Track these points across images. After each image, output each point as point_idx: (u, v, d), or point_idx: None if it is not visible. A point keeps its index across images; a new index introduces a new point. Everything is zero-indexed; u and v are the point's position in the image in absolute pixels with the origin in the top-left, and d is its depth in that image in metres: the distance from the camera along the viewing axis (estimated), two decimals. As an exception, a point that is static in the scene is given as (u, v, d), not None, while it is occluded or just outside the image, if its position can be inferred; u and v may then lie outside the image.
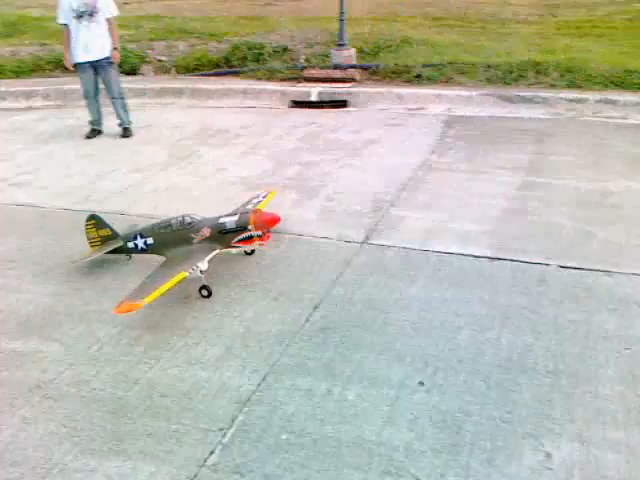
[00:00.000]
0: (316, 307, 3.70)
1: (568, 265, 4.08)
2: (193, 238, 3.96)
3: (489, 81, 8.49)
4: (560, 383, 3.03)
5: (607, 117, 7.45)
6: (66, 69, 7.56)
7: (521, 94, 7.92)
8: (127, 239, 4.23)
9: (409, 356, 3.24)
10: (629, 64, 8.49)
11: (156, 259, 4.06)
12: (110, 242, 4.28)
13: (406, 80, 8.68)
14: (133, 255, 4.29)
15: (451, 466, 2.57)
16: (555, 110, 7.69)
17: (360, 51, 9.50)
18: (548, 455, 2.62)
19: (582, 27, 10.93)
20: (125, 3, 13.20)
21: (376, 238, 4.51)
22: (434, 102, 8.01)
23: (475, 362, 3.19)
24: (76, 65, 7.09)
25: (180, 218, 4.05)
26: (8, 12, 13.76)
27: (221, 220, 3.97)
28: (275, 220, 3.95)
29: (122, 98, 7.30)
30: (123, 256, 4.33)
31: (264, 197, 4.57)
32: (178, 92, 9.00)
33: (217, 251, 3.90)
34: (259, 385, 3.09)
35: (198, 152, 6.68)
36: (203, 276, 3.78)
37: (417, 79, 8.64)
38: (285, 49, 9.80)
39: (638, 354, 3.23)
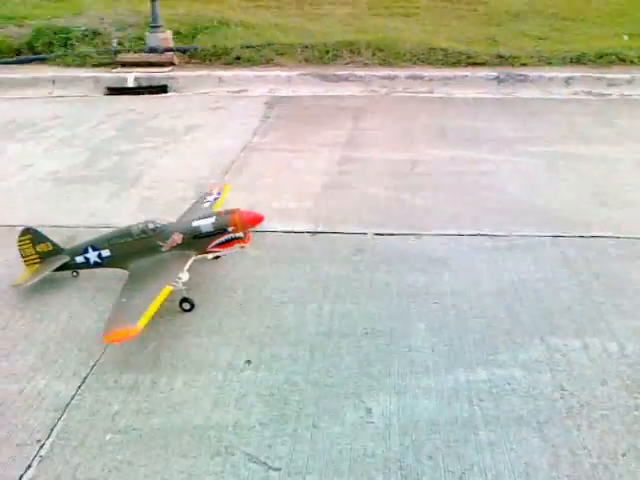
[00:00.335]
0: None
1: (383, 232, 4.36)
2: (161, 246, 3.59)
3: (307, 61, 8.74)
4: (377, 342, 3.24)
5: (416, 92, 8.03)
6: None
7: (338, 73, 8.26)
8: (75, 253, 3.78)
9: (235, 337, 3.27)
10: (432, 42, 9.20)
11: (108, 273, 3.74)
12: (53, 258, 3.79)
13: (226, 62, 8.64)
14: (82, 271, 3.83)
15: (279, 436, 2.65)
16: (370, 87, 8.13)
17: (177, 33, 9.26)
18: (368, 410, 2.81)
19: (391, 7, 11.57)
20: None
21: (200, 224, 4.46)
22: (255, 84, 8.07)
23: (299, 334, 3.31)
24: None
25: (142, 225, 3.65)
26: None
27: (195, 223, 3.62)
28: (258, 219, 3.65)
29: None
30: (68, 272, 3.85)
31: (219, 194, 4.23)
32: (-30, 83, 8.14)
33: (193, 258, 3.57)
34: (79, 388, 2.94)
35: None
36: (184, 288, 3.44)
37: (237, 61, 8.64)
38: (95, 33, 9.25)
39: (445, 306, 3.56)
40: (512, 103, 7.58)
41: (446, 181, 5.23)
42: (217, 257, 3.90)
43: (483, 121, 6.81)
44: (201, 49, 8.83)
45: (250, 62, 8.61)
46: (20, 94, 7.97)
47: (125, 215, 4.50)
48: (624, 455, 2.58)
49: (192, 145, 6.08)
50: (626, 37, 9.64)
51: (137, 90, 7.98)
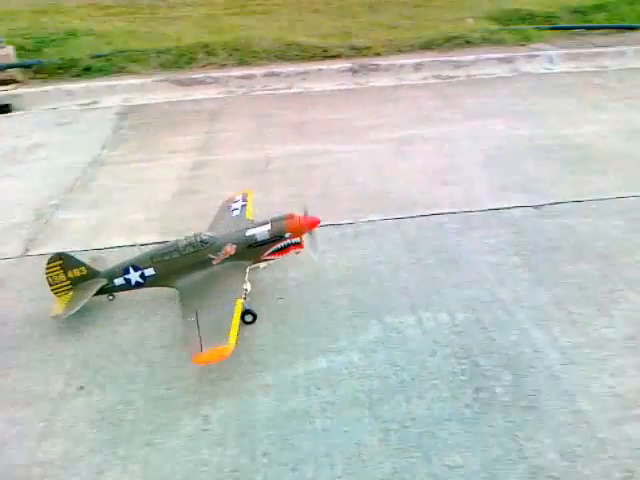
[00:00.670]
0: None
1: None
2: (212, 259, 3.42)
3: (163, 66, 8.52)
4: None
5: (274, 89, 8.06)
6: None
7: (193, 76, 8.12)
8: (113, 275, 3.51)
9: (68, 363, 3.13)
10: (288, 38, 9.27)
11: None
12: (89, 283, 3.50)
13: (75, 74, 8.25)
14: (118, 293, 3.55)
15: (109, 461, 2.57)
16: (227, 88, 8.06)
17: (21, 48, 8.72)
18: (205, 417, 2.78)
19: (247, 5, 11.55)
20: None
21: (37, 248, 4.24)
22: (108, 94, 7.77)
23: (140, 349, 3.22)
24: None
25: (190, 238, 3.46)
26: None
27: (249, 232, 3.46)
28: (316, 222, 3.50)
29: None
30: (104, 297, 3.55)
31: (245, 201, 4.05)
32: None
33: (248, 268, 3.43)
34: None
35: None
36: (247, 300, 3.32)
37: (87, 72, 8.27)
38: None
39: (289, 301, 3.60)
40: (366, 92, 7.79)
41: (298, 175, 5.28)
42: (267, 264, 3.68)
43: (338, 113, 6.94)
44: (47, 62, 8.37)
45: (101, 72, 8.28)
46: None
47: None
48: (448, 420, 2.72)
49: (34, 166, 5.76)
50: (471, 21, 10.19)
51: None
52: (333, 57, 8.74)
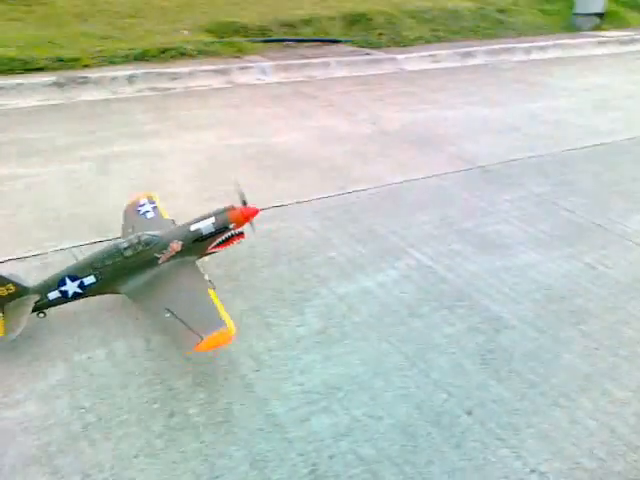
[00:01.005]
0: None
1: None
2: (157, 258, 3.30)
3: None
4: None
5: None
6: None
7: None
8: (46, 289, 3.16)
9: None
10: None
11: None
12: (19, 301, 3.10)
13: None
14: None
15: None
16: None
17: None
18: None
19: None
20: None
21: None
22: None
23: None
24: None
25: (134, 240, 3.26)
26: None
27: (194, 227, 3.40)
28: (256, 212, 3.57)
29: None
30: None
31: (152, 202, 3.95)
32: None
33: (195, 262, 3.39)
34: None
35: None
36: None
37: None
38: None
39: None
40: (76, 108, 7.27)
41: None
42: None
43: (40, 131, 6.33)
44: None
45: None
46: None
47: None
48: (136, 457, 2.54)
49: None
50: (186, 33, 10.20)
51: None
52: (35, 70, 7.99)
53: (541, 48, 11.87)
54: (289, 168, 5.54)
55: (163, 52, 9.05)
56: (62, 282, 3.19)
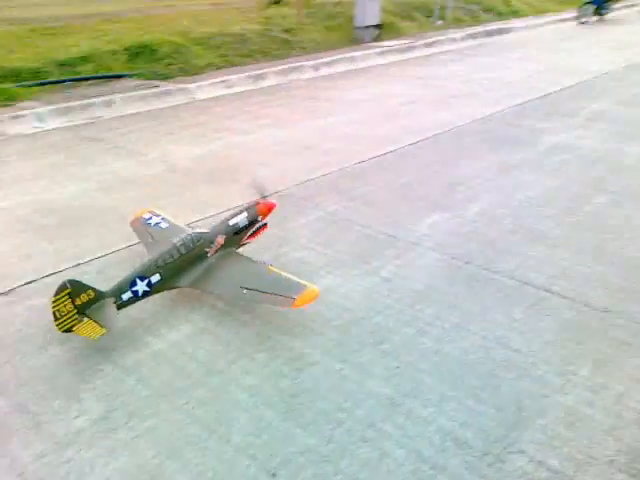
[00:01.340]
0: None
1: None
2: (207, 252, 3.78)
3: None
4: None
5: None
6: None
7: None
8: (119, 291, 3.44)
9: None
10: None
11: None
12: (100, 305, 3.32)
13: None
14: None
15: None
16: None
17: None
18: None
19: None
20: None
21: None
22: None
23: None
24: None
25: (187, 238, 3.75)
26: None
27: (232, 222, 3.95)
28: (274, 205, 4.19)
29: None
30: None
31: (158, 215, 4.41)
32: None
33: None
34: None
35: None
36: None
37: None
38: None
39: None
40: None
41: None
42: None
43: None
44: None
45: None
46: None
47: None
48: None
49: None
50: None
51: None
52: None
53: (328, 63, 12.31)
54: (68, 225, 4.98)
55: None
56: (133, 283, 3.49)
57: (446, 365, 3.28)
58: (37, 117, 8.18)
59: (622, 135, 7.26)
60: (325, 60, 12.38)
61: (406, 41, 14.54)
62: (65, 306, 3.20)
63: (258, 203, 4.14)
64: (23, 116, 8.12)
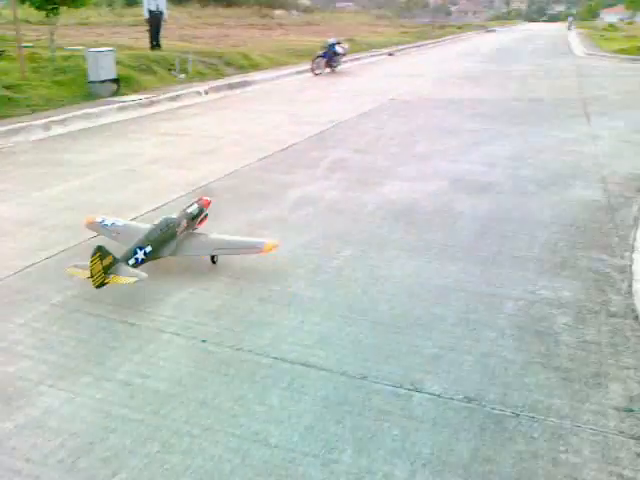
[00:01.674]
0: None
1: None
2: (177, 231, 4.94)
3: None
4: None
5: None
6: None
7: None
8: (127, 258, 4.49)
9: None
10: None
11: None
12: (118, 266, 4.33)
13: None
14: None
15: None
16: None
17: None
18: None
19: None
20: None
21: None
22: None
23: None
24: None
25: (163, 221, 4.91)
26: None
27: (189, 210, 5.22)
28: (209, 202, 5.59)
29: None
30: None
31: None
32: None
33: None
34: None
35: None
36: None
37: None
38: None
39: None
40: None
41: None
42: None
43: None
44: None
45: None
46: None
47: None
48: None
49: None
50: None
51: None
52: None
53: (62, 122, 11.20)
54: None
55: None
56: (135, 252, 4.57)
57: (196, 488, 2.76)
58: None
59: (361, 183, 7.61)
60: (59, 118, 11.24)
61: (148, 95, 14.01)
62: (97, 266, 4.11)
63: (201, 199, 5.49)
64: None
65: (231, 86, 16.78)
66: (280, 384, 3.55)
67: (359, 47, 29.83)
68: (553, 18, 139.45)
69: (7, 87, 12.02)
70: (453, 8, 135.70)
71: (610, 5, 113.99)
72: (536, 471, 2.91)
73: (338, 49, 21.41)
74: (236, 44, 24.88)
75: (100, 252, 4.12)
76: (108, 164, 8.49)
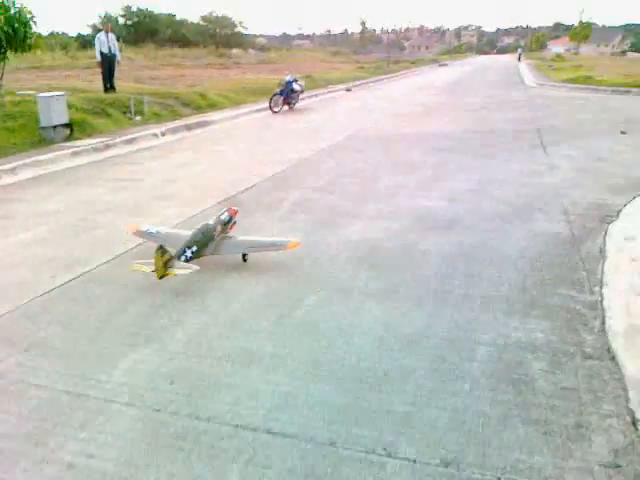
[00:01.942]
0: None
1: None
2: (214, 235, 5.86)
3: None
4: None
5: None
6: None
7: None
8: (179, 256, 5.42)
9: None
10: None
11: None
12: (173, 263, 5.23)
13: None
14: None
15: None
16: None
17: None
18: None
19: None
20: None
21: None
22: None
23: None
24: None
25: (204, 226, 5.85)
26: None
27: (222, 217, 6.16)
28: (236, 211, 6.57)
29: None
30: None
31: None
32: None
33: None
34: None
35: None
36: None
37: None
38: None
39: None
40: None
41: None
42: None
43: None
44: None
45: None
46: None
47: None
48: None
49: None
50: None
51: None
52: None
53: (11, 170, 10.78)
54: None
55: None
56: (184, 251, 5.48)
57: None
58: None
59: (323, 224, 7.42)
60: (8, 167, 10.81)
61: (103, 139, 13.67)
62: (159, 261, 5.01)
63: (229, 208, 6.45)
64: None
65: (188, 127, 16.57)
66: (240, 459, 3.25)
67: (316, 84, 30.13)
68: (503, 50, 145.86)
69: (-48, 136, 11.54)
70: (406, 43, 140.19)
71: (556, 37, 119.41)
72: None
73: (295, 86, 21.49)
74: (193, 84, 24.79)
75: (161, 250, 5.04)
76: (60, 214, 8.11)
